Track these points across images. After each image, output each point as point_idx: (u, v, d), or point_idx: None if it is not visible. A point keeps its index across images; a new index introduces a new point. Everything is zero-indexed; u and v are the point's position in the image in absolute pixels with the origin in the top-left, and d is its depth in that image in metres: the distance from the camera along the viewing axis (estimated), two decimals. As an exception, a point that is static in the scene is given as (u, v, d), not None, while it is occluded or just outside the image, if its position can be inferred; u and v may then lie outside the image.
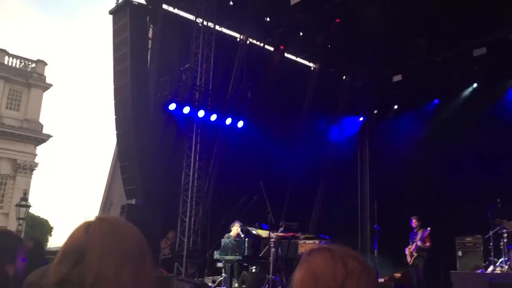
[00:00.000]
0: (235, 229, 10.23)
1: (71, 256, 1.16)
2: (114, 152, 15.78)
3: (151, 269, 1.23)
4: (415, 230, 11.72)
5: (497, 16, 12.31)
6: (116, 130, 13.85)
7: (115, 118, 13.76)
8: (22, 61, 28.64)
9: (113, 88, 13.72)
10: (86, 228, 1.21)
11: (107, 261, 1.14)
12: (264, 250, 9.16)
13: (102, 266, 1.13)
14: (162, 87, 13.27)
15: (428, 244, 11.26)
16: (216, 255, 10.22)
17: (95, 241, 1.17)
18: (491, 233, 10.31)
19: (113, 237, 1.19)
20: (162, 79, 13.35)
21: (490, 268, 10.07)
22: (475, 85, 14.13)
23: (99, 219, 1.25)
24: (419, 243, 11.34)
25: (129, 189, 13.31)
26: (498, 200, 10.27)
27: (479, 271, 10.36)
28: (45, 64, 29.40)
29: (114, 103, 13.75)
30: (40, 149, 30.04)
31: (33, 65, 28.84)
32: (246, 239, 9.77)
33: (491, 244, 10.32)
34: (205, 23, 13.96)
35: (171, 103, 12.64)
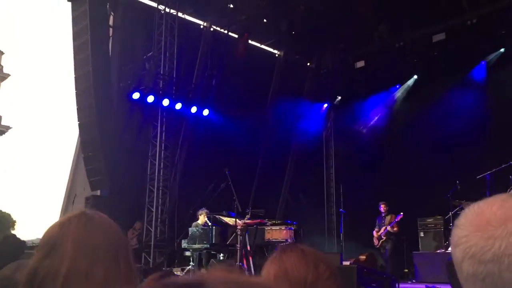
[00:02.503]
0: (202, 217, 10.25)
1: (43, 248, 1.15)
2: (77, 143, 15.45)
3: (127, 265, 1.21)
4: (383, 215, 12.05)
5: (456, 1, 12.60)
6: (79, 121, 13.54)
7: (77, 108, 13.44)
8: (-23, 50, 27.56)
9: (73, 78, 13.40)
10: (63, 222, 1.20)
11: (79, 256, 1.13)
12: (232, 238, 9.24)
13: (74, 260, 1.12)
14: (125, 76, 13.06)
15: (396, 229, 11.65)
16: (184, 244, 10.23)
17: (68, 234, 1.16)
18: (450, 214, 10.72)
19: (86, 231, 1.18)
20: (125, 67, 13.13)
21: (450, 248, 10.42)
22: (434, 70, 14.46)
23: (78, 213, 1.23)
24: (388, 228, 11.68)
25: (93, 180, 13.09)
26: (457, 182, 10.65)
27: (440, 250, 10.75)
28: (2, 53, 28.37)
29: (76, 93, 13.41)
30: (-1, 142, 29.12)
31: (-11, 54, 27.80)
32: (214, 227, 9.81)
33: (451, 224, 10.71)
34: (167, 10, 13.75)
35: (134, 92, 12.47)
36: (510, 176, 9.03)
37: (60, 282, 1.10)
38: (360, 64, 15.45)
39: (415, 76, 14.85)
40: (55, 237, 1.16)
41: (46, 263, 1.12)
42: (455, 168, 11.69)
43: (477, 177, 9.66)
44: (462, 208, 10.51)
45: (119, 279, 1.16)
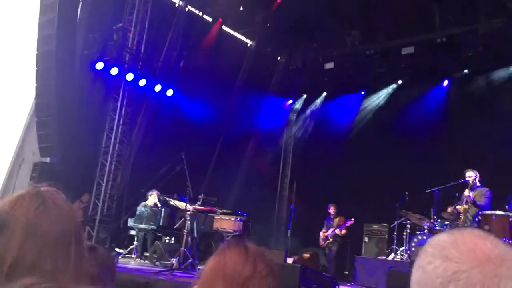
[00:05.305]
0: (152, 198, 10.09)
1: None
2: (32, 106, 14.87)
3: (78, 258, 1.10)
4: (332, 216, 12.34)
5: (429, 18, 12.87)
6: (36, 83, 13.04)
7: (36, 70, 12.94)
8: None
9: (37, 39, 12.88)
10: (14, 201, 1.08)
11: (28, 243, 1.03)
12: (180, 222, 9.15)
13: (22, 248, 1.02)
14: (91, 44, 12.65)
15: (344, 232, 11.99)
16: (130, 222, 10.06)
17: (19, 217, 1.05)
18: (396, 223, 11.07)
19: (38, 216, 1.07)
20: (92, 35, 12.71)
21: (391, 256, 10.81)
22: (400, 82, 14.79)
23: (31, 193, 1.12)
24: (337, 231, 11.97)
25: (44, 147, 12.66)
26: (406, 193, 10.98)
27: (381, 257, 11.04)
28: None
29: (37, 54, 12.89)
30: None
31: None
32: (163, 209, 9.68)
33: (395, 233, 11.07)
34: (143, -18, 13.41)
35: (98, 61, 12.11)
36: (457, 194, 9.32)
37: (4, 270, 1.00)
38: (330, 65, 15.54)
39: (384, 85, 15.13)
40: (3, 219, 1.06)
41: None
42: (406, 179, 12.00)
43: (426, 191, 9.93)
44: (407, 219, 10.84)
45: (67, 273, 1.07)
